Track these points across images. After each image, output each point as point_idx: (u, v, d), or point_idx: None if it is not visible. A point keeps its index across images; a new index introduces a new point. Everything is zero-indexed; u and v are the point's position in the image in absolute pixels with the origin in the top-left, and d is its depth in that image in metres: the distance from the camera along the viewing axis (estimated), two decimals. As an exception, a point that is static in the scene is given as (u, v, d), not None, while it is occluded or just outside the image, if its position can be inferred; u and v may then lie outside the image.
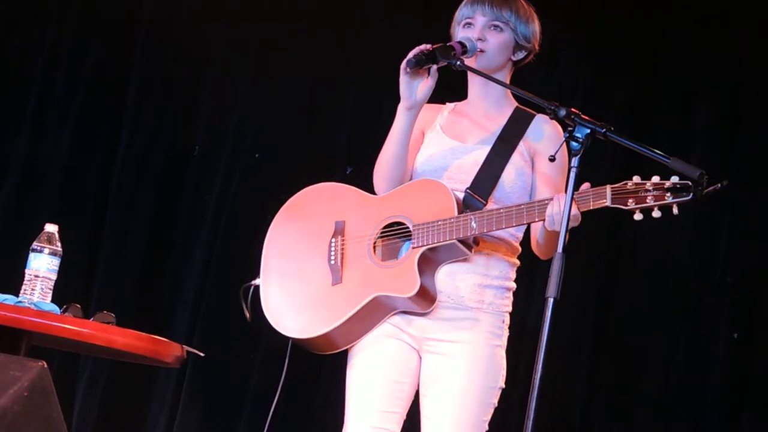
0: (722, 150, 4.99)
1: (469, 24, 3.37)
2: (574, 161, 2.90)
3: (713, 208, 4.93)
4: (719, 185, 2.88)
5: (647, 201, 2.94)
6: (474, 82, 3.45)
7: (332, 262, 3.34)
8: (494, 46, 3.35)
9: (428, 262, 3.26)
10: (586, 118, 2.93)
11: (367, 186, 3.47)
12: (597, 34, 5.20)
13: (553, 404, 4.86)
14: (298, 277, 3.38)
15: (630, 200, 2.96)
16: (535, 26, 3.43)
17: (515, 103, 3.44)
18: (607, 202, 3.00)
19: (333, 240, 3.36)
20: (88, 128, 5.77)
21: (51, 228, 3.39)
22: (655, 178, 2.94)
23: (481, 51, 3.33)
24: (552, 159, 3.00)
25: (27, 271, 3.35)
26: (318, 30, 5.56)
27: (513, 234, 3.35)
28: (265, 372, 5.28)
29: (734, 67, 5.00)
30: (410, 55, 3.22)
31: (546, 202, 3.10)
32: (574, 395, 4.98)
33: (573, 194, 2.92)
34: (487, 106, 3.43)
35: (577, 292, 4.89)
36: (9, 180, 5.77)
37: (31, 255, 3.35)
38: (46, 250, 3.35)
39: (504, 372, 3.33)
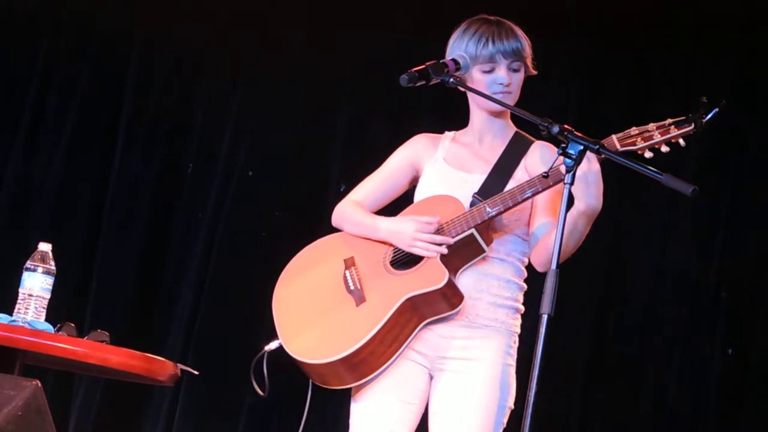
0: (717, 166, 4.99)
1: (492, 69, 3.31)
2: (567, 177, 2.89)
3: (708, 224, 4.94)
4: (717, 109, 2.95)
5: (654, 138, 3.05)
6: (477, 112, 3.41)
7: (351, 288, 3.30)
8: (518, 85, 3.34)
9: (448, 265, 3.22)
10: (579, 134, 2.92)
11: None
12: (591, 44, 5.21)
13: (549, 422, 4.85)
14: (322, 317, 3.31)
15: (638, 141, 3.05)
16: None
17: (515, 128, 3.42)
18: (618, 147, 3.04)
19: (347, 272, 3.33)
20: (81, 146, 5.76)
21: (45, 247, 3.38)
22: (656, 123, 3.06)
23: (509, 93, 3.30)
24: (545, 175, 2.99)
25: (21, 290, 3.34)
26: (311, 47, 5.57)
27: (520, 258, 3.33)
28: (260, 390, 5.26)
29: (731, 79, 5.00)
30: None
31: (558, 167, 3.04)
32: (570, 412, 4.98)
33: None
34: (493, 136, 3.40)
35: (574, 310, 4.89)
36: (2, 198, 5.77)
37: (25, 274, 3.34)
38: (40, 269, 3.34)
39: (514, 392, 3.29)
